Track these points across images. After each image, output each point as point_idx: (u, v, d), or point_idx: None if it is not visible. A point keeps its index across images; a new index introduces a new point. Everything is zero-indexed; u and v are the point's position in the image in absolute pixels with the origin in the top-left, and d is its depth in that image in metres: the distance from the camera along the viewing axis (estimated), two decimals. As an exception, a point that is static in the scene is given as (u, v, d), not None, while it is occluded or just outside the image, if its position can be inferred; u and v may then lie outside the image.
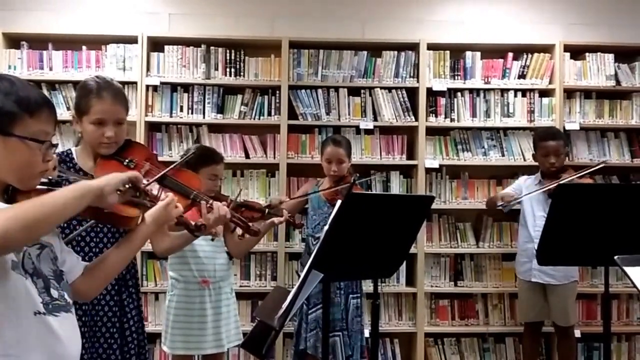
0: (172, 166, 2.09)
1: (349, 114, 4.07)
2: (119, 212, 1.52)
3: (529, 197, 3.63)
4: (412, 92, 4.10)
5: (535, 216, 3.60)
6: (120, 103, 2.10)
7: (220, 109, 4.04)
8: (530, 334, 3.79)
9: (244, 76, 4.05)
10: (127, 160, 2.08)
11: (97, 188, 1.37)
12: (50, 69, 3.98)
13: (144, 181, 1.55)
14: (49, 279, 1.36)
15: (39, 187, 1.42)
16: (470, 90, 4.14)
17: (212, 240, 2.78)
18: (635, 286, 1.82)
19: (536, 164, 3.73)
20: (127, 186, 1.46)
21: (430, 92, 4.08)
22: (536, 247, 3.41)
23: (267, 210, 2.97)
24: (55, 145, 1.42)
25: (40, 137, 1.35)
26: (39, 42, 4.01)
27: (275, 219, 3.00)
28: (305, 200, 3.57)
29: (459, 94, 4.13)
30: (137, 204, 1.58)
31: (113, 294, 2.08)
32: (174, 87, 4.04)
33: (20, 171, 1.35)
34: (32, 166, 1.36)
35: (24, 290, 1.28)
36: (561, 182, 3.32)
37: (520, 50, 4.16)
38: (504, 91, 4.14)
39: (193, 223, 1.74)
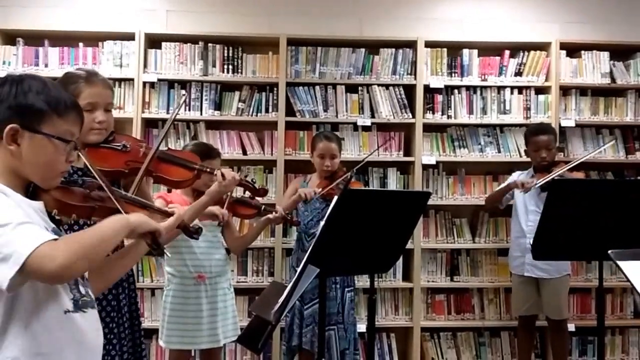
0: (160, 139, 2.20)
1: (346, 111, 4.09)
2: (129, 212, 1.57)
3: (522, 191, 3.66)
4: (410, 89, 4.12)
5: (527, 210, 3.62)
6: (109, 88, 2.15)
7: (218, 106, 4.06)
8: (524, 327, 3.82)
9: (241, 73, 4.06)
10: (120, 146, 2.11)
11: (133, 226, 1.41)
12: (46, 66, 3.98)
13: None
14: None
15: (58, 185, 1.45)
16: (467, 88, 4.16)
17: (219, 224, 2.83)
18: (629, 280, 1.83)
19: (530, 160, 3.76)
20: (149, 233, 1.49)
21: (427, 89, 4.09)
22: (529, 242, 3.45)
23: (262, 207, 3.00)
24: (78, 149, 1.45)
25: (67, 137, 1.38)
26: (34, 39, 4.01)
27: (271, 216, 3.04)
28: (298, 197, 3.58)
29: (455, 91, 4.15)
30: (144, 206, 1.67)
31: (111, 288, 2.10)
32: (171, 83, 4.05)
33: (44, 169, 1.38)
34: (56, 165, 1.39)
35: (53, 291, 1.31)
36: (556, 177, 3.36)
37: (516, 48, 4.18)
38: (500, 88, 4.16)
39: (191, 227, 1.82)
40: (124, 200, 1.61)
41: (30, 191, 1.40)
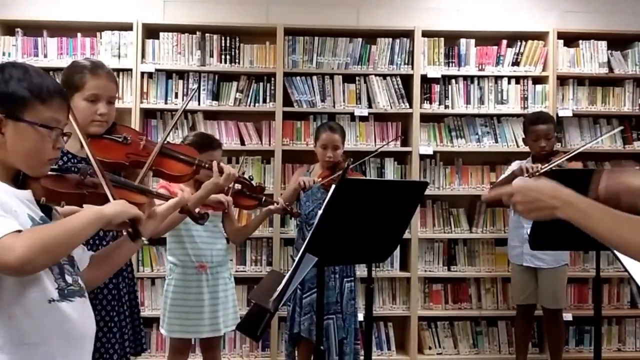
0: (165, 136, 2.23)
1: (343, 101, 4.09)
2: (130, 199, 1.56)
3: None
4: (407, 79, 4.12)
5: None
6: (113, 81, 2.16)
7: (216, 96, 4.06)
8: (522, 316, 3.84)
9: (239, 63, 4.06)
10: (122, 138, 2.12)
11: (109, 217, 1.37)
12: (45, 56, 3.99)
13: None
14: (63, 265, 1.38)
15: (49, 173, 1.44)
16: (465, 77, 4.16)
17: (224, 211, 2.87)
18: (626, 270, 1.85)
19: (528, 149, 3.77)
20: (128, 221, 1.44)
21: (424, 79, 4.10)
22: (527, 232, 3.46)
23: (263, 198, 3.01)
24: (68, 135, 1.44)
25: (51, 124, 1.36)
26: (33, 29, 4.01)
27: (272, 207, 3.06)
28: (297, 185, 3.59)
29: (453, 81, 4.15)
30: (144, 192, 1.64)
31: (111, 277, 2.12)
32: (169, 74, 4.05)
33: (30, 157, 1.36)
34: (42, 153, 1.37)
35: (37, 280, 1.30)
36: (554, 167, 3.36)
37: (514, 38, 4.18)
38: (497, 78, 4.16)
39: (197, 211, 1.81)
40: (122, 186, 1.59)
41: (20, 179, 1.39)
